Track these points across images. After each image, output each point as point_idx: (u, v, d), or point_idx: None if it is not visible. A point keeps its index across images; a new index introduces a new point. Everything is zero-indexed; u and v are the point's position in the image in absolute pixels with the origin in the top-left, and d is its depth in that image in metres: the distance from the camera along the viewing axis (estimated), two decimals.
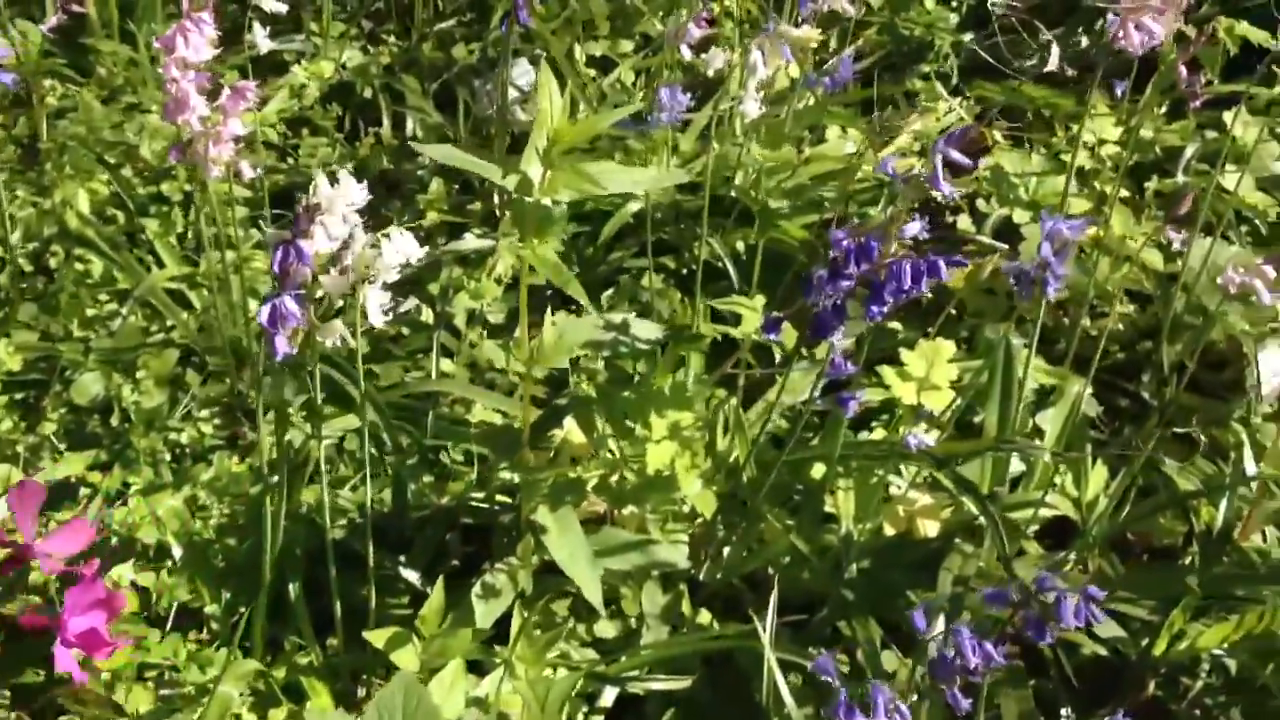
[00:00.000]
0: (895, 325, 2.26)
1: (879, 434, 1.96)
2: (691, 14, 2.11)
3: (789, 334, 1.58)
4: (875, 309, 1.46)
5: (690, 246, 2.43)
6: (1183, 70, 1.86)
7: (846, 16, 2.28)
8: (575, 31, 2.88)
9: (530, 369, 1.59)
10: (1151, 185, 2.42)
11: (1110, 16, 1.62)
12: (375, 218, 2.60)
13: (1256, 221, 2.41)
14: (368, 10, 3.10)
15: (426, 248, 1.52)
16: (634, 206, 2.42)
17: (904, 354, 1.88)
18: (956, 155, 1.50)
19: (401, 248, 1.41)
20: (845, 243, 1.42)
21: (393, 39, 3.03)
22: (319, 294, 1.42)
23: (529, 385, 1.61)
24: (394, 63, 2.94)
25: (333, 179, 1.39)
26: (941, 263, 1.43)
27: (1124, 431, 2.22)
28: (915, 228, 1.59)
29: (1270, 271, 1.61)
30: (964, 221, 2.52)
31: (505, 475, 1.72)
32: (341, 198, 1.39)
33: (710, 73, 1.76)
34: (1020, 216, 2.38)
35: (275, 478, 1.72)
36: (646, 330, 1.66)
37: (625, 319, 1.65)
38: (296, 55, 2.93)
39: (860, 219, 2.51)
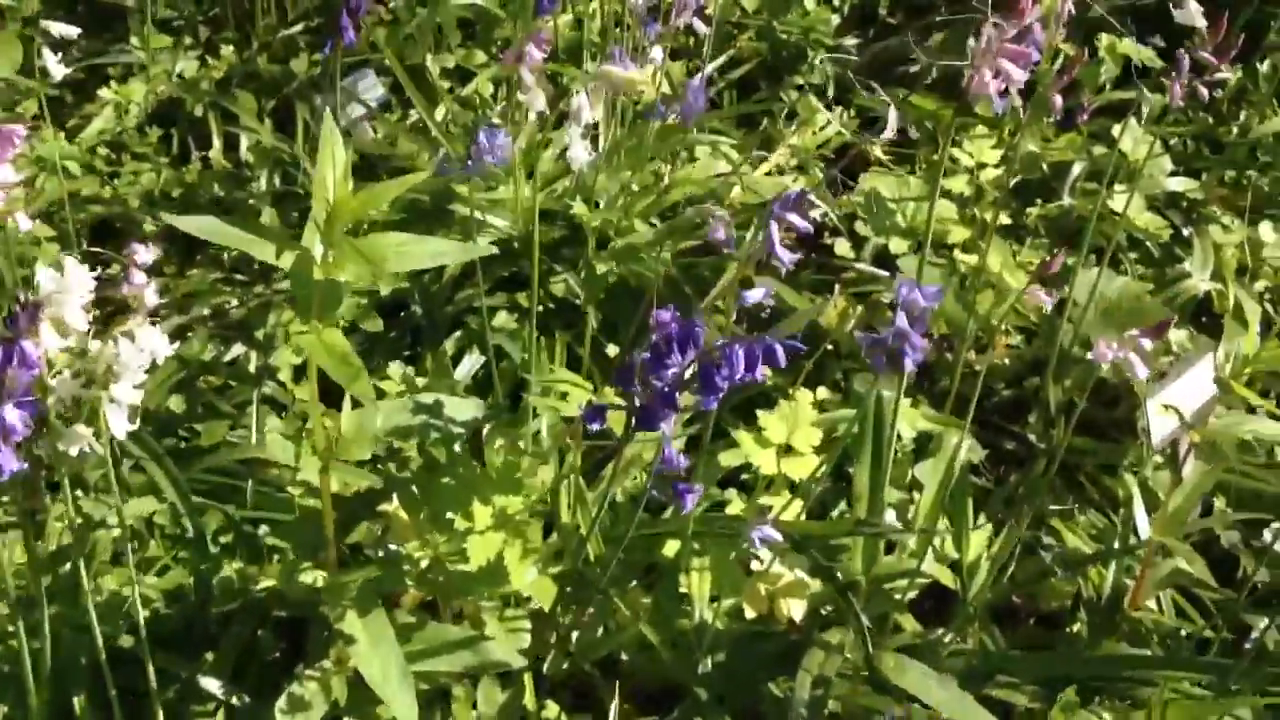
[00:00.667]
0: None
1: (736, 507, 1.78)
2: (528, 35, 1.91)
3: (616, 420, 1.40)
4: (709, 399, 1.28)
5: (546, 281, 2.23)
6: (1057, 100, 1.69)
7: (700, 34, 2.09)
8: (427, 41, 2.67)
9: (327, 465, 1.39)
10: (1035, 211, 2.27)
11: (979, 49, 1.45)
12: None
13: (1148, 244, 2.26)
14: (205, 16, 2.86)
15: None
16: (485, 240, 2.22)
17: (762, 417, 1.70)
18: (795, 219, 1.32)
19: (148, 345, 1.20)
20: (669, 327, 1.24)
21: (231, 49, 2.79)
22: (51, 400, 1.21)
23: (326, 490, 1.41)
24: (231, 75, 2.70)
25: (59, 267, 1.18)
26: (778, 347, 1.25)
27: (1010, 478, 2.07)
28: (759, 294, 1.42)
29: (1146, 343, 1.45)
30: (843, 246, 2.35)
31: (308, 578, 1.52)
32: (74, 289, 1.18)
33: (532, 115, 1.57)
34: (897, 245, 2.21)
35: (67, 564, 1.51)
36: (462, 410, 1.47)
37: (438, 399, 1.46)
38: (124, 70, 2.68)
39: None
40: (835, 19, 2.96)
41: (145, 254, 1.57)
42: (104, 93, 2.52)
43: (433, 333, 2.14)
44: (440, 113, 2.62)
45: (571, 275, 2.17)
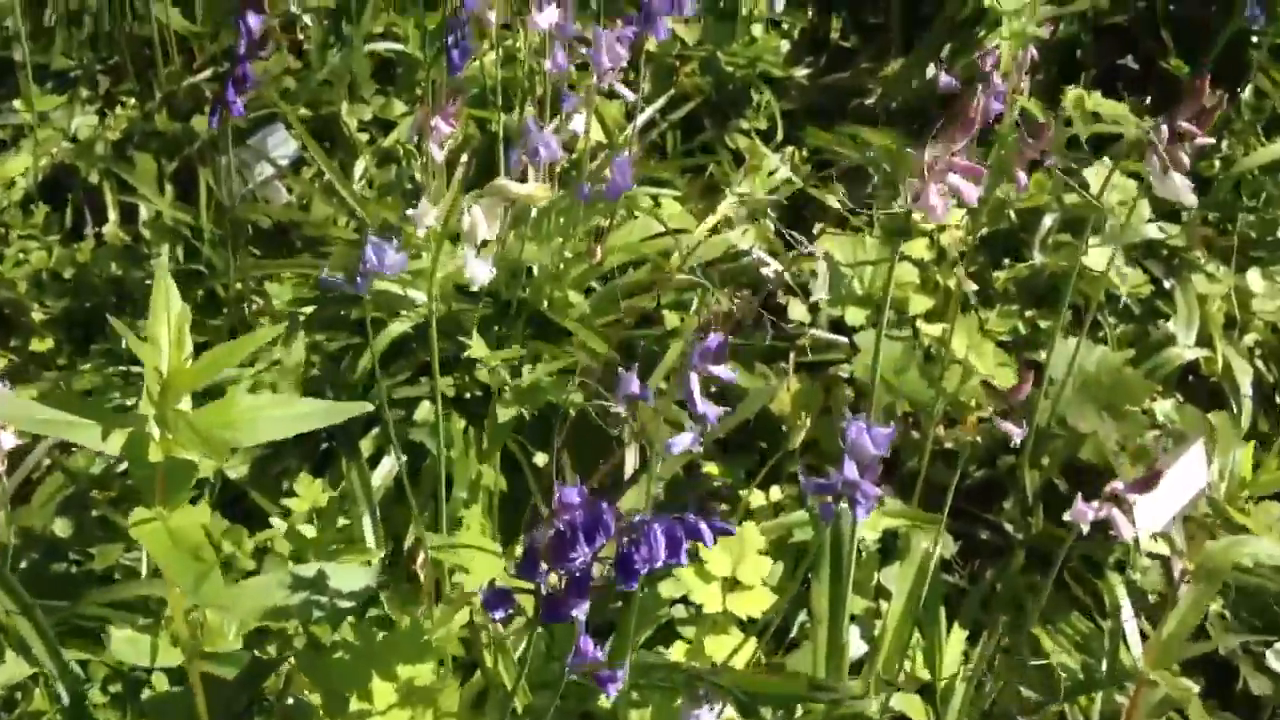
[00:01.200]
0: (710, 468, 1.90)
1: (679, 649, 1.59)
2: (435, 107, 1.71)
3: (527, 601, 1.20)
4: (627, 582, 1.08)
5: (470, 367, 2.03)
6: (1022, 179, 1.50)
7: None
8: (341, 91, 2.46)
9: (193, 658, 1.19)
10: (1004, 274, 2.07)
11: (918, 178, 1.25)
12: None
13: (1127, 301, 2.08)
14: (104, 65, 2.63)
15: None
16: (402, 325, 2.02)
17: (703, 550, 1.51)
18: (717, 370, 1.13)
19: None
20: (574, 511, 1.04)
21: (132, 101, 2.57)
22: None
23: (196, 681, 1.21)
24: (132, 132, 2.49)
25: None
26: (705, 528, 1.05)
27: (985, 574, 1.89)
28: (687, 439, 1.23)
29: (1132, 497, 1.27)
30: (798, 309, 2.15)
31: None
32: None
33: (419, 233, 1.37)
34: (854, 316, 2.02)
35: None
36: (351, 579, 1.27)
37: (320, 570, 1.26)
38: (13, 132, 2.46)
39: (673, 311, 2.13)
40: (784, 45, 2.76)
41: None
42: None
43: (346, 431, 1.94)
44: (360, 167, 2.42)
45: (498, 358, 1.96)
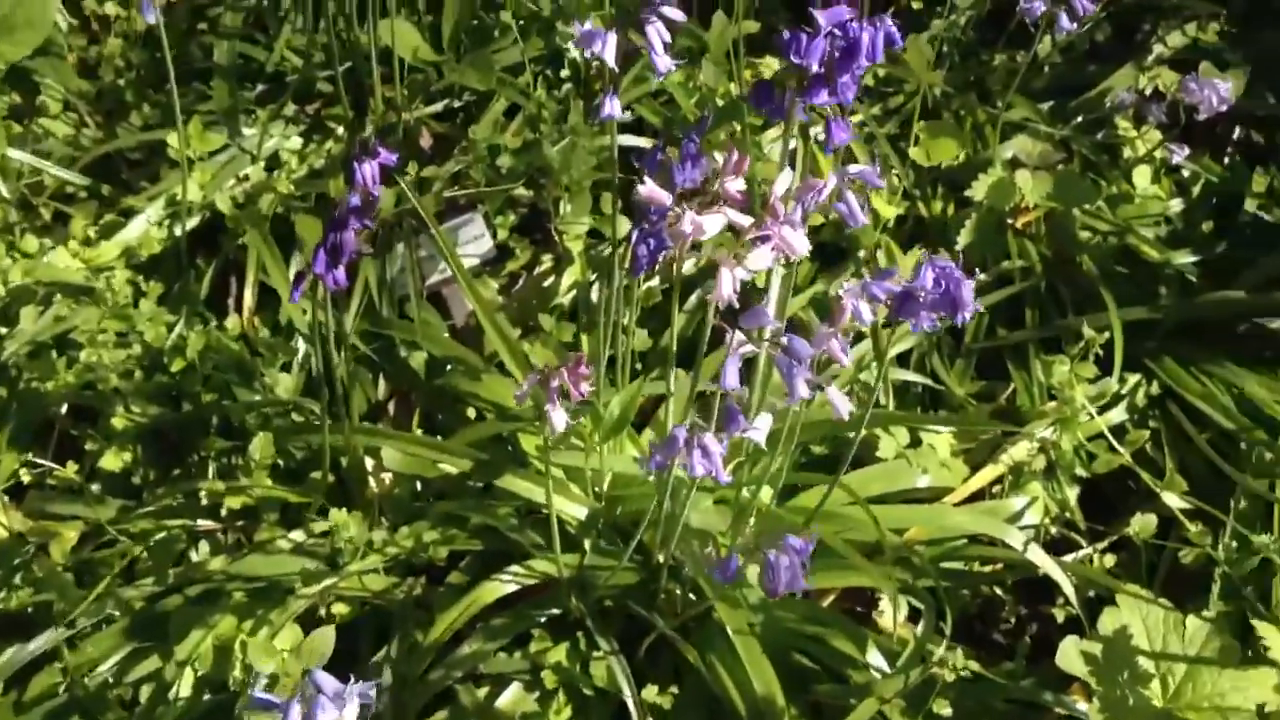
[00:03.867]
0: None
1: None
2: (558, 366, 1.16)
3: None
4: None
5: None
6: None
7: None
8: (557, 185, 1.92)
9: None
10: None
11: None
12: None
13: None
14: (310, 91, 2.18)
15: None
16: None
17: None
18: None
19: None
20: None
21: (342, 130, 2.13)
22: None
23: None
24: (323, 172, 2.05)
25: None
26: None
27: None
28: None
29: None
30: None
31: None
32: None
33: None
34: None
35: None
36: None
37: None
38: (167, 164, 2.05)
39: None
40: (1175, 204, 2.01)
41: None
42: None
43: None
44: (566, 280, 1.90)
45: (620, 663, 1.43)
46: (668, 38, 1.29)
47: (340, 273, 1.35)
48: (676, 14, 1.28)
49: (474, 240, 1.92)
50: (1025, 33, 1.89)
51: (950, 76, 2.17)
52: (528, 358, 1.71)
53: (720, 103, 1.99)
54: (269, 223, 1.92)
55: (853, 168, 1.24)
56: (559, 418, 1.23)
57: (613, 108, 1.30)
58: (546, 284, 1.96)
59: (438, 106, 2.14)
